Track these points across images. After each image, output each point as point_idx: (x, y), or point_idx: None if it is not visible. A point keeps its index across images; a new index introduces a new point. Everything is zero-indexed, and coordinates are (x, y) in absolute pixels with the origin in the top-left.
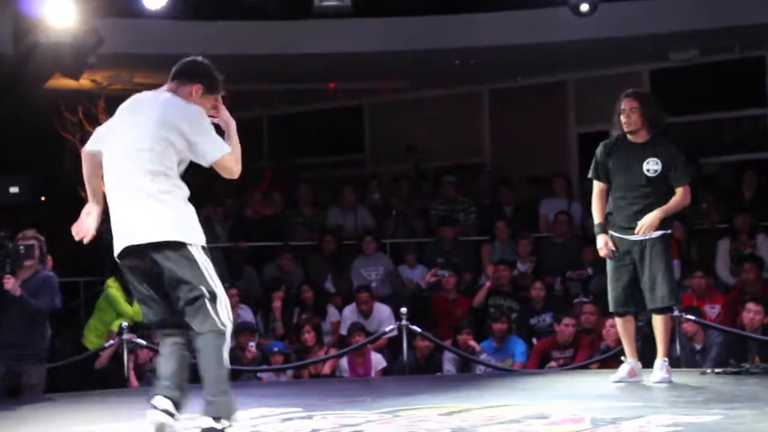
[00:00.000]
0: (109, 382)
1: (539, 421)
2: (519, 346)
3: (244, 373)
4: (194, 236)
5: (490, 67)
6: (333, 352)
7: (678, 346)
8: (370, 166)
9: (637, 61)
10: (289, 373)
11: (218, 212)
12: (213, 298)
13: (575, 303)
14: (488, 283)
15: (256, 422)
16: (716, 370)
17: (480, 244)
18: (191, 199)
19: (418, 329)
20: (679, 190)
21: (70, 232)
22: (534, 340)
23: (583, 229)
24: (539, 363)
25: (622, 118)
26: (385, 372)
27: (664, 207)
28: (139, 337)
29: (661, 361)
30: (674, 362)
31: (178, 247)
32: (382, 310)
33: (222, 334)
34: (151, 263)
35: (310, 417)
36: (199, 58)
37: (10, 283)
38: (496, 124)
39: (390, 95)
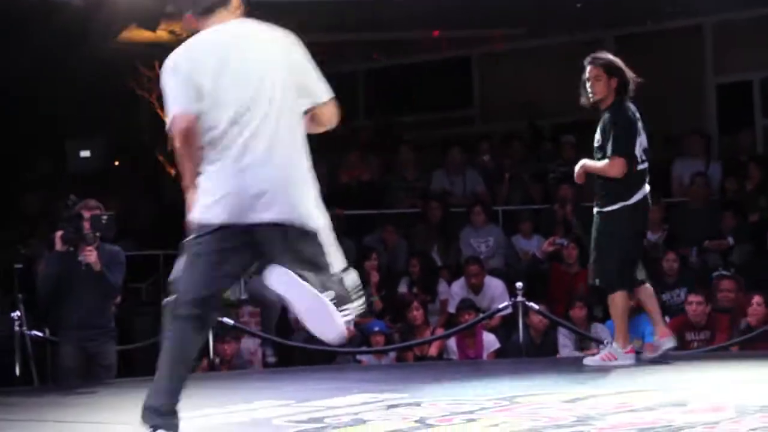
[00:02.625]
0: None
1: (676, 409)
2: (649, 326)
3: (341, 355)
4: None
5: (616, 9)
6: (440, 332)
7: None
8: (480, 124)
9: None
10: (392, 355)
11: None
12: None
13: (714, 277)
14: None
15: (358, 409)
16: None
17: None
18: None
19: (536, 306)
20: (609, 159)
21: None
22: (666, 319)
23: (723, 192)
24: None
25: (588, 87)
26: (498, 354)
27: (588, 162)
28: (223, 316)
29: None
30: None
31: None
32: (494, 286)
33: None
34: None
35: (417, 404)
36: None
37: (93, 257)
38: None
39: (502, 44)
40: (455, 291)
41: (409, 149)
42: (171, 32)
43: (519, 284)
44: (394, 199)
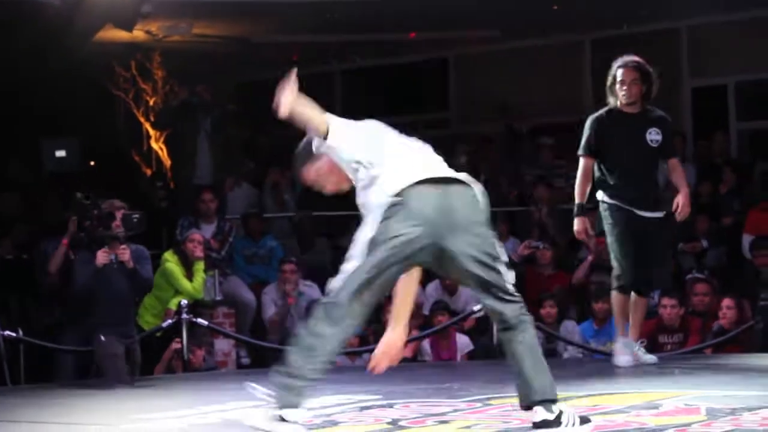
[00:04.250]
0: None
1: (648, 412)
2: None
3: None
4: None
5: (593, 12)
6: (414, 333)
7: None
8: (456, 126)
9: (765, 5)
10: (366, 356)
11: (286, 177)
12: None
13: (687, 280)
14: (590, 257)
15: (332, 411)
16: None
17: None
18: (258, 163)
19: None
20: (674, 161)
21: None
22: None
23: (697, 196)
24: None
25: (621, 90)
26: (471, 356)
27: (686, 186)
28: (197, 317)
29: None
30: None
31: None
32: None
33: None
34: None
35: (390, 405)
36: None
37: (127, 255)
38: (599, 78)
39: (479, 46)
40: (430, 293)
41: None
42: (147, 32)
43: None
44: None
